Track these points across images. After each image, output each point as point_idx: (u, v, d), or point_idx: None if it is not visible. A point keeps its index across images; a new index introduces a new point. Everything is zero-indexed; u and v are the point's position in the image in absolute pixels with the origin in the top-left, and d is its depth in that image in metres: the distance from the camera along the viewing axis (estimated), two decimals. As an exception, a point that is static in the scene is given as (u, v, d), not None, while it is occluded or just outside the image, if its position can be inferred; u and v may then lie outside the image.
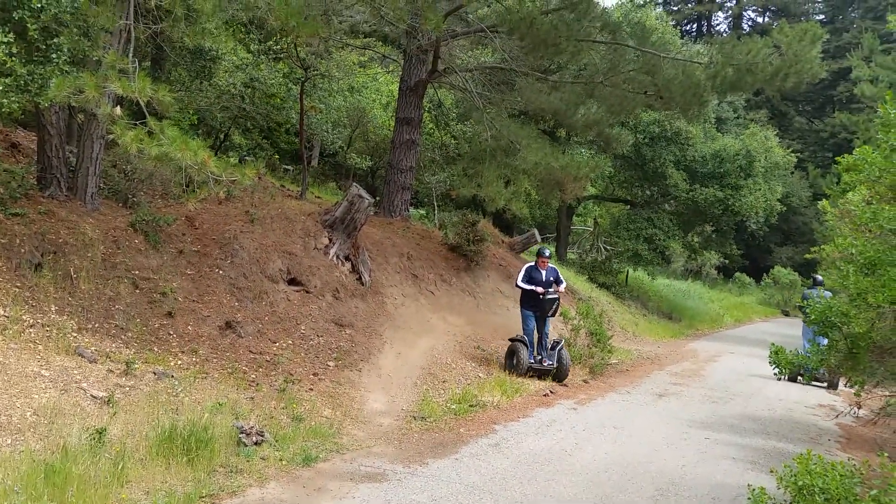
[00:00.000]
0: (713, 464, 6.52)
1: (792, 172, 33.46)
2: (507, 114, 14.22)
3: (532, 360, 9.38)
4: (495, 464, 5.88)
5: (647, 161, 20.73)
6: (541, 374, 9.44)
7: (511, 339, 9.74)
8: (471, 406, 7.73)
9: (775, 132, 27.20)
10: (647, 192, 22.49)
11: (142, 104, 6.63)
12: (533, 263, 10.07)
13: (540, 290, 9.60)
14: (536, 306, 9.70)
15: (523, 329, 9.81)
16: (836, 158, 6.12)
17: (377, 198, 14.54)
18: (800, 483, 3.11)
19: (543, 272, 9.84)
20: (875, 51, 22.89)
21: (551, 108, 13.65)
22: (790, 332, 22.54)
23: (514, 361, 9.41)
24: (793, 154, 28.36)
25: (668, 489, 5.64)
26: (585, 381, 10.18)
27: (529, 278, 9.79)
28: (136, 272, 7.72)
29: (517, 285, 9.91)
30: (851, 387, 5.66)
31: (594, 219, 26.14)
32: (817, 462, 3.21)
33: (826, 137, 43.36)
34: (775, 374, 6.10)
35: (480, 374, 9.15)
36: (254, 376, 7.22)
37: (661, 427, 7.83)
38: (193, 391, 6.32)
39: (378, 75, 19.43)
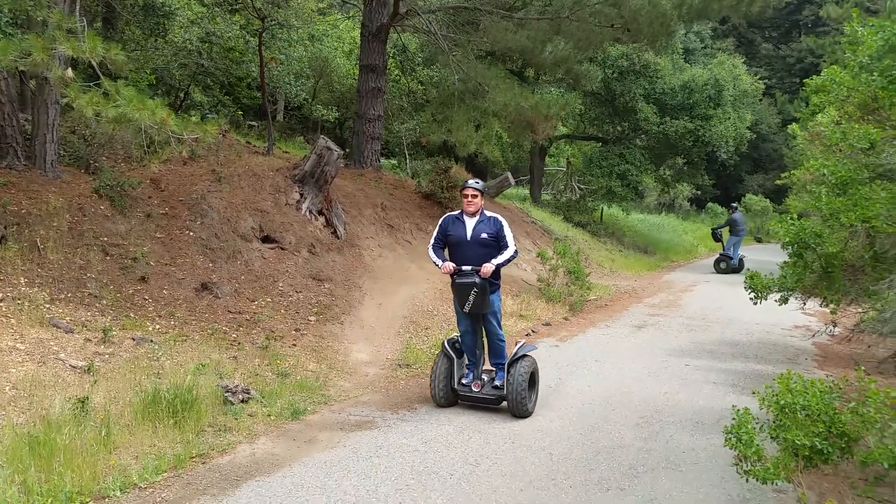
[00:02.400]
0: (695, 389, 6.67)
1: (760, 100, 33.61)
2: (473, 55, 13.95)
3: (461, 384, 5.84)
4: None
5: (617, 96, 20.61)
6: (474, 404, 5.88)
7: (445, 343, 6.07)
8: (455, 350, 7.77)
9: (743, 60, 27.13)
10: (619, 128, 22.44)
11: (95, 65, 6.36)
12: (458, 213, 5.88)
13: (445, 266, 5.66)
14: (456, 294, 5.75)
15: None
16: (804, 82, 6.10)
17: (347, 149, 14.32)
18: (781, 402, 3.18)
19: (469, 223, 5.73)
20: (839, -30, 22.77)
21: (518, 47, 13.40)
22: (763, 257, 22.95)
23: (431, 379, 5.89)
24: (761, 81, 28.39)
25: (651, 416, 5.76)
26: (566, 319, 10.30)
27: (443, 237, 5.83)
28: (105, 238, 7.56)
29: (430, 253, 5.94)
30: (826, 305, 5.77)
31: (567, 158, 26.09)
32: (797, 381, 3.27)
33: (793, 63, 43.44)
34: (751, 298, 6.19)
35: (462, 319, 9.20)
36: (234, 336, 7.18)
37: (641, 358, 7.97)
38: (174, 354, 6.27)
39: (339, 22, 18.87)
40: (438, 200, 12.82)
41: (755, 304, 6.06)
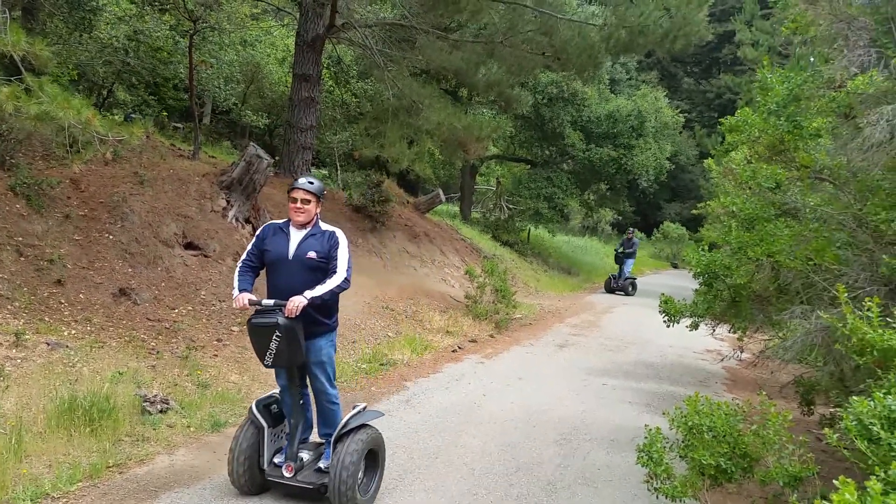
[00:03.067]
0: (611, 408, 6.93)
1: (680, 132, 35.19)
2: (409, 72, 14.09)
3: (272, 464, 4.23)
4: (407, 419, 6.01)
5: (546, 121, 21.21)
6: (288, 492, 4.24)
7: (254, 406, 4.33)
8: (381, 365, 7.82)
9: (665, 93, 28.40)
10: (547, 152, 23.07)
11: (16, 59, 6.11)
12: (283, 222, 4.35)
13: (237, 299, 4.14)
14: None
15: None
16: (720, 119, 6.52)
17: (277, 157, 14.15)
18: (690, 423, 3.39)
19: (295, 237, 4.21)
20: (756, 15, 24.23)
21: (453, 68, 13.64)
22: (679, 282, 23.98)
23: (229, 457, 4.18)
24: (681, 114, 29.76)
25: (570, 434, 5.97)
26: (492, 336, 10.49)
27: (258, 253, 4.34)
28: (20, 238, 7.22)
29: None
30: (735, 332, 6.19)
31: (497, 178, 26.58)
32: (705, 403, 3.49)
33: (712, 98, 45.76)
34: (665, 321, 6.53)
35: (389, 334, 9.24)
36: (153, 344, 6.97)
37: (562, 376, 8.22)
38: (91, 361, 6.05)
39: (273, 29, 18.68)
40: (369, 214, 12.84)
41: (668, 326, 6.41)
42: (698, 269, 5.42)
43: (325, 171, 19.05)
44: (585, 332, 11.78)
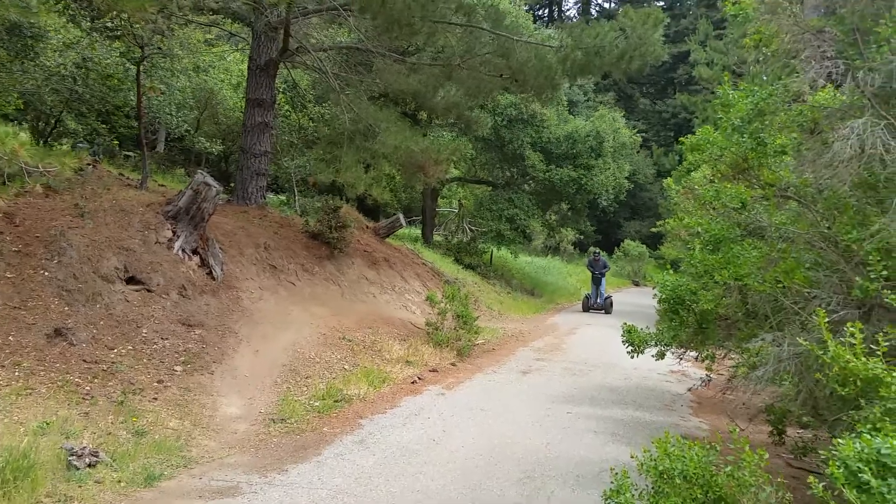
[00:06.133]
0: (576, 439, 6.63)
1: (638, 151, 35.65)
2: (366, 97, 13.84)
3: None
4: (360, 462, 5.62)
5: (507, 143, 21.15)
6: None
7: None
8: (336, 402, 7.40)
9: (622, 114, 28.71)
10: (508, 174, 23.01)
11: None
12: None
13: None
14: None
15: None
16: (679, 139, 6.36)
17: (232, 184, 13.69)
18: (660, 468, 3.10)
19: None
20: (709, 36, 24.68)
21: (411, 91, 13.43)
22: (641, 300, 24.00)
23: None
24: (638, 134, 30.11)
25: (534, 470, 5.64)
26: (453, 364, 10.15)
27: None
28: (-63, 279, 6.68)
29: None
30: (703, 361, 5.91)
31: (459, 201, 26.41)
32: (675, 444, 3.22)
33: (668, 118, 46.60)
34: (629, 352, 6.24)
35: (346, 366, 8.83)
36: (88, 388, 6.47)
37: (526, 405, 7.91)
38: (15, 411, 5.55)
39: (226, 54, 18.30)
40: (327, 240, 12.44)
41: (632, 357, 6.12)
42: (664, 295, 5.17)
43: (283, 198, 18.62)
44: (549, 357, 11.51)
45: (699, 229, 4.79)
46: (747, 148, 4.67)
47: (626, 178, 24.58)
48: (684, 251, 5.23)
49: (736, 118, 4.54)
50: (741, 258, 4.36)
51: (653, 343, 5.85)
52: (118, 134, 16.45)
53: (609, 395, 8.74)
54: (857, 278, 3.60)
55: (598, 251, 21.38)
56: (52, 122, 14.13)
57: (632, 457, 3.51)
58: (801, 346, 3.37)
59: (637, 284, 32.30)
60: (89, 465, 5.04)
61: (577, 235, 35.06)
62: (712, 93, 33.85)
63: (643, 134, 37.98)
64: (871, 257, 3.66)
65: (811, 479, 2.56)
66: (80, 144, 14.83)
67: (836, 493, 2.36)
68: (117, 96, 14.37)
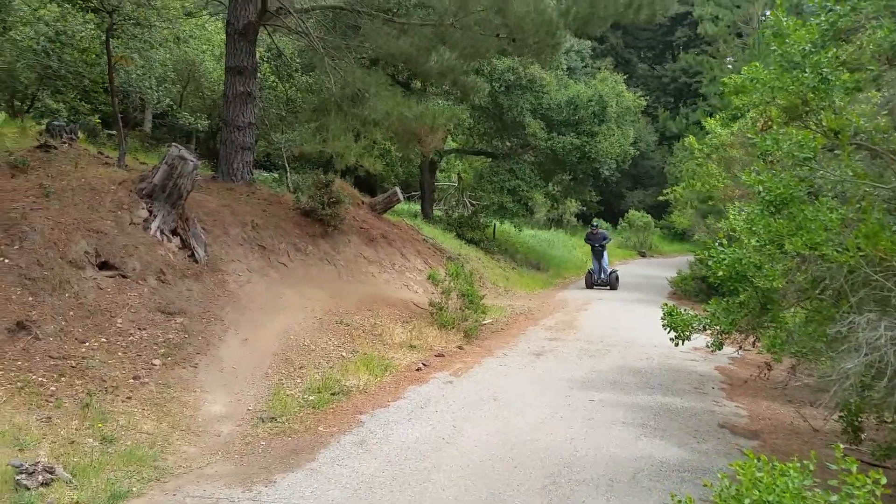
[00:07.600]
0: (603, 432, 5.92)
1: (639, 119, 34.68)
2: (355, 62, 12.92)
3: None
4: (360, 468, 4.89)
5: (505, 111, 20.22)
6: None
7: None
8: (333, 394, 6.68)
9: (625, 77, 27.74)
10: (508, 143, 22.09)
11: None
12: None
13: None
14: None
15: None
16: (722, 80, 5.51)
17: (216, 160, 12.85)
18: (746, 501, 2.36)
19: None
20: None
21: (402, 55, 12.51)
22: (649, 271, 23.32)
23: None
24: (641, 98, 29.14)
25: (559, 474, 4.92)
26: (460, 348, 9.42)
27: None
28: None
29: None
30: (765, 351, 4.94)
31: (458, 173, 25.52)
32: (763, 468, 2.46)
33: (668, 83, 45.51)
34: (672, 339, 5.33)
35: (344, 354, 8.10)
36: (53, 388, 5.75)
37: (542, 393, 7.19)
38: (-38, 420, 4.82)
39: (207, 23, 17.29)
40: (319, 217, 11.64)
41: (676, 345, 5.27)
42: (720, 272, 4.34)
43: (275, 174, 17.75)
44: (562, 336, 10.78)
45: (760, 187, 3.99)
46: (807, 87, 3.87)
47: (631, 144, 23.64)
48: (745, 222, 4.27)
49: (799, 48, 3.72)
50: (816, 222, 3.58)
51: (701, 328, 5.01)
52: (102, 113, 15.58)
53: (632, 379, 8.02)
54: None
55: (596, 223, 20.41)
56: (28, 100, 13.30)
57: (705, 484, 2.76)
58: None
59: (644, 255, 31.53)
60: (42, 484, 4.32)
61: (579, 207, 34.19)
62: (717, 50, 32.74)
63: (644, 98, 36.98)
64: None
65: None
66: (55, 123, 13.98)
67: None
68: (93, 71, 13.48)
